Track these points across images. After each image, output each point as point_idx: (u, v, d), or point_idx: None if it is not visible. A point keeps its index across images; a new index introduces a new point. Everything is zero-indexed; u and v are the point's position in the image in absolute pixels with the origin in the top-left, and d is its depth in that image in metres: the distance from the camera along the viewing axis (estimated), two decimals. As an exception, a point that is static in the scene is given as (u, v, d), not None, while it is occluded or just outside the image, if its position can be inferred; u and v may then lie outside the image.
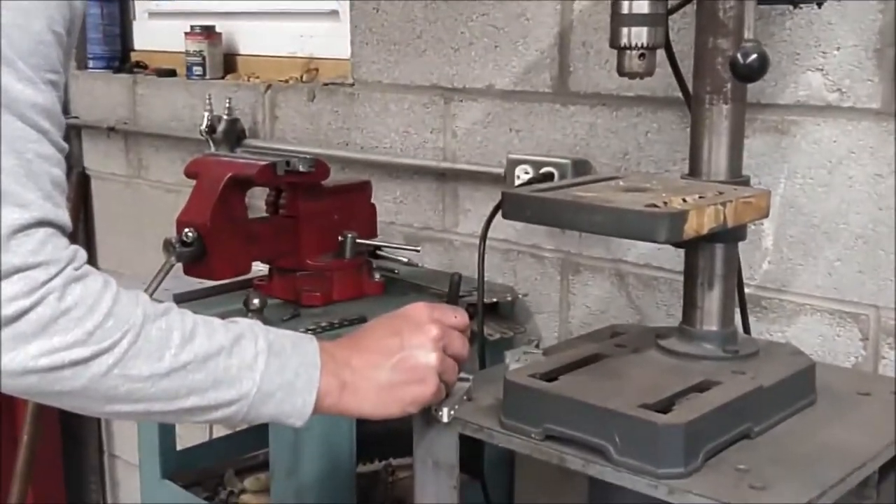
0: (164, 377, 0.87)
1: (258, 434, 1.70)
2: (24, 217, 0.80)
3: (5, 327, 0.80)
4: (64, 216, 0.84)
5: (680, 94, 1.32)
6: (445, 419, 1.05)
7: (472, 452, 1.27)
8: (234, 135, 2.11)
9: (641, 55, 1.11)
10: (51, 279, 0.81)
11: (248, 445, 1.81)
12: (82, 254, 0.85)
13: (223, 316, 0.96)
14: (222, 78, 2.28)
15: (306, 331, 1.40)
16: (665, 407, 0.99)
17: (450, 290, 1.31)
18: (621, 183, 1.15)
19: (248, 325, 0.94)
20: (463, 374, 1.09)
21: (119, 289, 0.87)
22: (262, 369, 0.92)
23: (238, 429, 2.18)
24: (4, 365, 0.81)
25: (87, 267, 0.86)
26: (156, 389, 0.87)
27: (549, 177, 1.56)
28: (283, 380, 0.93)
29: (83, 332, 0.83)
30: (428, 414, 1.07)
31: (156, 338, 0.86)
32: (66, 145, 0.86)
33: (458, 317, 1.05)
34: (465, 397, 1.09)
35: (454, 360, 1.03)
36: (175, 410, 0.89)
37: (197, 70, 2.27)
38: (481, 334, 1.40)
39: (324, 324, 1.43)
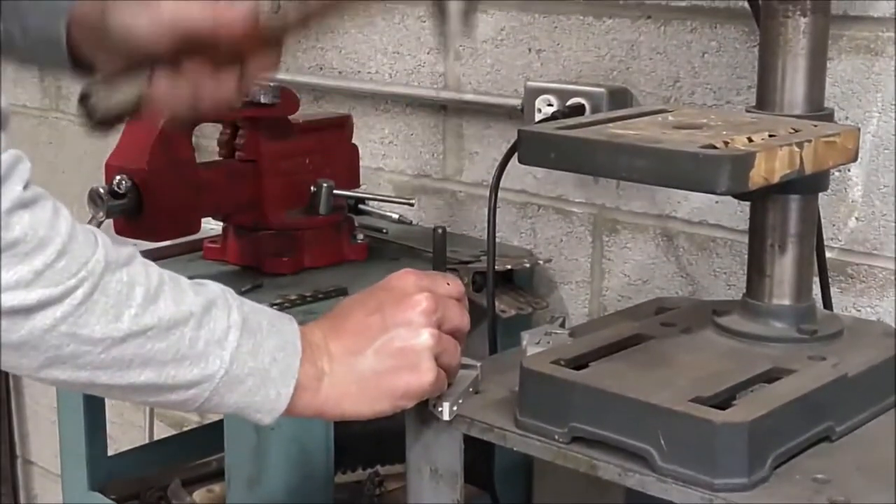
0: (120, 342, 0.86)
1: (211, 436, 1.71)
2: None
3: None
4: None
5: (746, 4, 1.31)
6: (447, 416, 1.06)
7: (479, 458, 1.28)
8: (178, 56, 2.10)
9: (697, -46, 1.10)
10: None
11: (198, 450, 1.82)
12: (26, 165, 0.83)
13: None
14: (162, -16, 2.26)
15: (270, 306, 1.41)
16: (724, 402, 0.99)
17: (435, 250, 1.30)
18: (671, 118, 1.15)
19: (220, 290, 0.94)
20: (467, 361, 1.10)
21: (74, 221, 0.86)
22: (233, 347, 0.92)
23: (185, 428, 2.19)
24: None
25: (37, 188, 0.84)
26: (107, 356, 0.86)
27: (579, 110, 1.56)
28: (257, 364, 0.94)
29: (30, 272, 0.81)
30: (424, 410, 1.08)
31: (115, 292, 0.86)
32: None
33: (451, 284, 1.06)
34: (470, 389, 1.09)
35: (454, 338, 1.04)
36: (124, 385, 0.89)
37: (129, -26, 2.25)
38: (492, 310, 1.40)
39: (293, 297, 1.43)
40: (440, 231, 1.28)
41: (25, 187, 0.82)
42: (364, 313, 1.01)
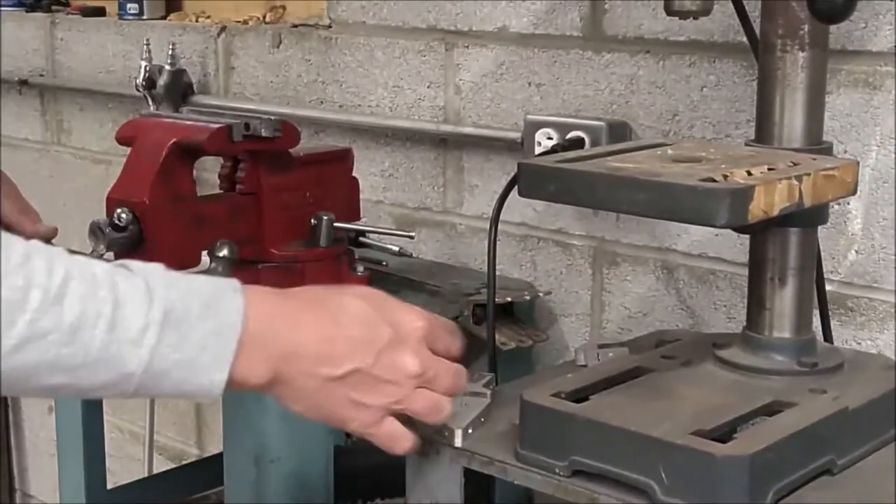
0: (16, 350, 0.83)
1: (210, 469, 1.70)
2: None
3: None
4: None
5: (744, 39, 1.32)
6: (458, 443, 1.06)
7: (480, 491, 1.28)
8: (179, 90, 2.11)
9: (696, -11, 1.11)
10: None
11: (197, 483, 1.81)
12: None
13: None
14: (164, 18, 2.27)
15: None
16: (725, 435, 0.99)
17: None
18: (670, 151, 1.15)
19: (142, 281, 0.89)
20: (478, 389, 1.10)
21: None
22: (151, 345, 0.88)
23: (184, 461, 2.18)
24: None
25: None
26: (6, 366, 0.83)
27: (579, 143, 1.56)
28: (183, 356, 0.89)
29: None
30: (424, 444, 1.07)
31: (5, 299, 0.82)
32: None
33: (453, 344, 1.03)
34: (481, 419, 1.10)
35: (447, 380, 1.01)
36: (38, 388, 0.87)
37: (132, 8, 2.26)
38: (492, 343, 1.40)
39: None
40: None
41: None
42: (358, 335, 0.97)
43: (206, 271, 1.37)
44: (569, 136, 1.58)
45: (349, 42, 1.89)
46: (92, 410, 1.68)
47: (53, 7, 2.50)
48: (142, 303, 0.88)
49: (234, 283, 0.94)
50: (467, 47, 1.74)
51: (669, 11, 1.15)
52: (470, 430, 1.07)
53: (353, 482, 1.56)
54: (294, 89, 1.99)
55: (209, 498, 1.78)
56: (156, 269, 0.91)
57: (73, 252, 0.90)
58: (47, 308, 0.83)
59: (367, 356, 0.96)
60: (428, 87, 1.79)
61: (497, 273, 1.42)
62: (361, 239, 1.72)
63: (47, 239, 1.35)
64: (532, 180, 1.09)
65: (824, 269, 1.35)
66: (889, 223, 1.36)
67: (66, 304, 0.84)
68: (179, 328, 0.89)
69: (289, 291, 1.00)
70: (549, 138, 1.60)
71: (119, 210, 1.41)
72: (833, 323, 1.37)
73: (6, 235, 0.84)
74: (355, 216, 1.65)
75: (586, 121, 1.58)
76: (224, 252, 1.39)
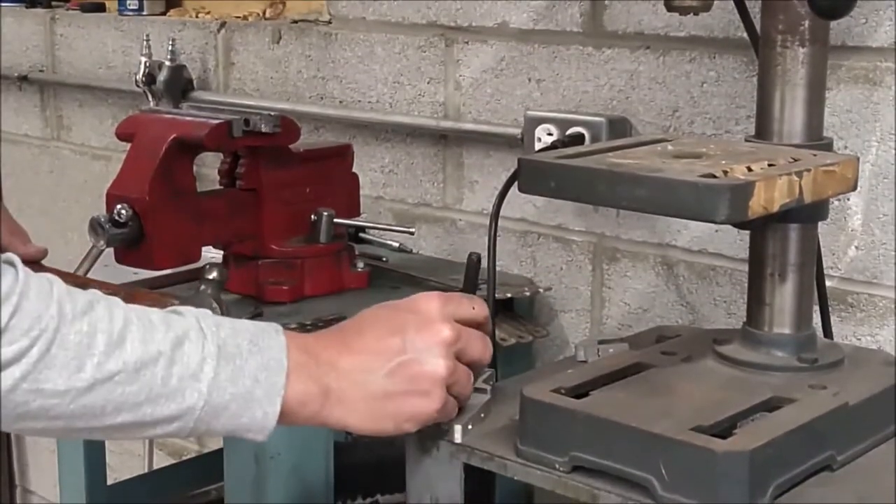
0: (86, 392, 0.87)
1: (210, 465, 1.71)
2: None
3: None
4: None
5: (744, 35, 1.32)
6: (458, 438, 1.06)
7: (480, 487, 1.28)
8: (179, 86, 2.11)
9: (696, -16, 1.11)
10: None
11: (197, 479, 1.82)
12: None
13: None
14: (164, 13, 2.27)
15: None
16: (725, 430, 0.99)
17: (466, 274, 1.31)
18: (670, 147, 1.15)
19: (194, 320, 0.94)
20: (479, 385, 1.10)
21: (26, 274, 0.86)
22: (209, 378, 0.92)
23: (184, 457, 2.19)
24: None
25: None
26: (76, 406, 0.87)
27: (579, 139, 1.56)
28: (239, 389, 0.94)
29: None
30: (425, 440, 1.07)
31: (74, 344, 0.86)
32: None
33: (476, 308, 1.06)
34: (481, 415, 1.10)
35: (470, 368, 1.04)
36: (102, 427, 0.90)
37: (132, 3, 2.26)
38: (493, 339, 1.40)
39: (293, 325, 1.43)
40: (475, 257, 1.28)
41: None
42: (384, 332, 1.01)
43: (194, 296, 1.37)
44: (569, 131, 1.58)
45: (349, 38, 1.89)
46: (92, 406, 1.68)
47: (53, 3, 2.50)
48: (197, 339, 0.93)
49: (274, 325, 0.99)
50: (467, 43, 1.74)
51: (670, 7, 1.15)
52: (470, 426, 1.08)
53: (353, 478, 1.56)
54: (294, 85, 1.99)
55: (209, 494, 1.78)
56: (203, 311, 0.96)
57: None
58: (112, 351, 0.88)
59: (402, 345, 1.00)
60: (428, 82, 1.79)
61: (497, 269, 1.42)
62: (361, 235, 1.72)
63: (37, 259, 1.36)
64: (532, 176, 1.09)
65: (824, 265, 1.36)
66: (889, 219, 1.36)
67: (127, 346, 0.89)
68: (234, 362, 0.94)
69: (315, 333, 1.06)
70: (550, 134, 1.60)
71: (119, 206, 1.41)
72: (833, 319, 1.37)
73: (69, 287, 0.89)
74: (355, 212, 1.65)
75: (586, 117, 1.58)
76: (213, 275, 1.39)
